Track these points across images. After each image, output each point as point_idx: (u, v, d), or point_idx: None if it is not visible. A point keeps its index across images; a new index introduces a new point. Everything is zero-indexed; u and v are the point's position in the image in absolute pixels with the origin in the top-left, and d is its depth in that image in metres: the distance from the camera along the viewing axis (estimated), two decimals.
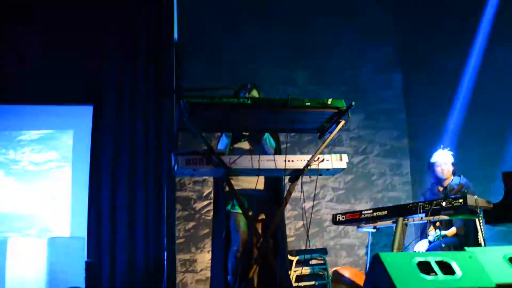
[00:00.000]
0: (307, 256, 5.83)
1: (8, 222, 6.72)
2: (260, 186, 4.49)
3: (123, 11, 6.60)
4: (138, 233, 6.18)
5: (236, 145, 4.64)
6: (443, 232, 5.40)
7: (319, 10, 7.20)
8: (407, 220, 4.75)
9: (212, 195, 5.87)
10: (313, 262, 5.93)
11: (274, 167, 3.95)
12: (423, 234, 5.67)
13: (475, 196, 4.50)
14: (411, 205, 4.69)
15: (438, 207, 4.49)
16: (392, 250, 4.58)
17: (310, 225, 4.32)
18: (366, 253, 6.40)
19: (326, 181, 6.89)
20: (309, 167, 3.97)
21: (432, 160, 5.74)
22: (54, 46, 6.44)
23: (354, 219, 4.99)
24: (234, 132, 4.60)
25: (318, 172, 4.04)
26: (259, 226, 4.55)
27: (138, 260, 6.13)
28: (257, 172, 3.99)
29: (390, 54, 7.42)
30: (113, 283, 6.04)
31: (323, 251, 6.01)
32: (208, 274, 5.79)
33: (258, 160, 3.92)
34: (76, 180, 6.72)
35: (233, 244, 4.52)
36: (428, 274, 3.20)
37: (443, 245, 5.22)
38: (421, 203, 4.59)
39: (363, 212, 4.93)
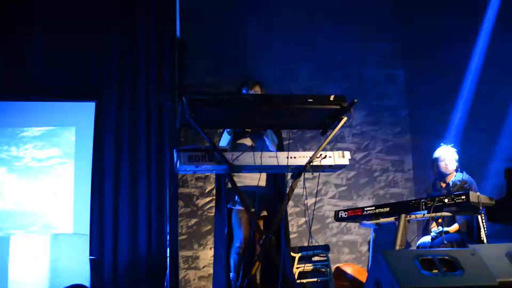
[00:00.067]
0: (310, 253, 5.83)
1: (11, 219, 6.73)
2: (262, 182, 4.50)
3: (125, 7, 6.59)
4: (140, 229, 6.18)
5: (239, 141, 4.65)
6: (446, 229, 5.39)
7: (322, 5, 7.18)
8: (410, 216, 4.75)
9: (214, 191, 5.87)
10: (316, 258, 5.93)
11: (277, 164, 3.95)
12: (425, 231, 5.67)
13: (478, 193, 4.50)
14: (413, 201, 4.69)
15: (441, 203, 4.49)
16: (394, 247, 4.58)
17: (312, 222, 4.32)
18: (369, 250, 6.40)
19: (328, 178, 6.89)
20: (311, 164, 3.97)
21: (436, 155, 5.73)
22: (56, 42, 6.42)
23: (357, 215, 4.99)
24: (237, 128, 4.60)
25: (321, 169, 4.05)
26: (261, 223, 4.56)
27: (141, 257, 6.13)
28: (259, 168, 3.99)
29: (393, 50, 7.39)
30: (116, 279, 6.04)
31: (326, 248, 6.00)
32: (211, 270, 5.78)
33: (261, 157, 3.92)
34: (79, 176, 6.72)
35: (235, 241, 4.53)
36: (430, 271, 3.20)
37: (445, 242, 5.22)
38: (424, 200, 4.58)
39: (365, 209, 4.92)
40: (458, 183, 5.54)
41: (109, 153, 6.29)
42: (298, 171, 4.05)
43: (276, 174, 4.58)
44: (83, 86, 6.43)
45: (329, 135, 4.07)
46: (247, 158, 3.92)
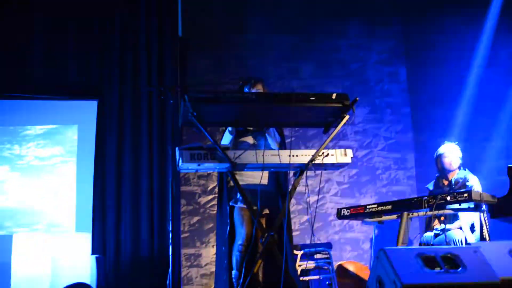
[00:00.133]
0: (312, 250, 5.83)
1: (14, 218, 6.74)
2: (265, 180, 4.50)
3: (127, 5, 6.59)
4: (143, 227, 6.19)
5: (241, 140, 4.65)
6: (448, 226, 5.39)
7: (324, 3, 7.17)
8: (412, 214, 4.75)
9: (216, 189, 5.87)
10: (318, 256, 5.93)
11: (279, 162, 3.95)
12: (428, 228, 5.67)
13: (480, 191, 4.50)
14: (415, 199, 4.68)
15: (443, 201, 4.48)
16: (397, 244, 4.58)
17: (314, 219, 4.32)
18: (371, 247, 6.40)
19: (330, 175, 6.89)
20: (313, 162, 3.97)
21: (440, 151, 5.70)
22: (58, 41, 6.43)
23: (359, 213, 4.99)
24: (239, 127, 4.60)
25: (323, 167, 4.05)
26: (263, 221, 4.55)
27: (143, 255, 6.14)
28: (261, 167, 3.99)
29: (395, 47, 7.38)
30: (118, 278, 6.05)
31: (328, 245, 6.00)
32: (213, 268, 5.79)
33: (263, 155, 3.92)
34: (81, 174, 6.73)
35: (237, 239, 4.53)
36: (432, 268, 3.20)
37: (447, 240, 5.22)
38: (426, 198, 4.58)
39: (367, 207, 4.92)
40: (461, 180, 5.54)
41: (111, 151, 6.30)
42: (300, 169, 4.05)
43: (278, 172, 4.58)
44: (84, 85, 6.44)
45: (331, 133, 4.06)
46: (249, 156, 3.92)
